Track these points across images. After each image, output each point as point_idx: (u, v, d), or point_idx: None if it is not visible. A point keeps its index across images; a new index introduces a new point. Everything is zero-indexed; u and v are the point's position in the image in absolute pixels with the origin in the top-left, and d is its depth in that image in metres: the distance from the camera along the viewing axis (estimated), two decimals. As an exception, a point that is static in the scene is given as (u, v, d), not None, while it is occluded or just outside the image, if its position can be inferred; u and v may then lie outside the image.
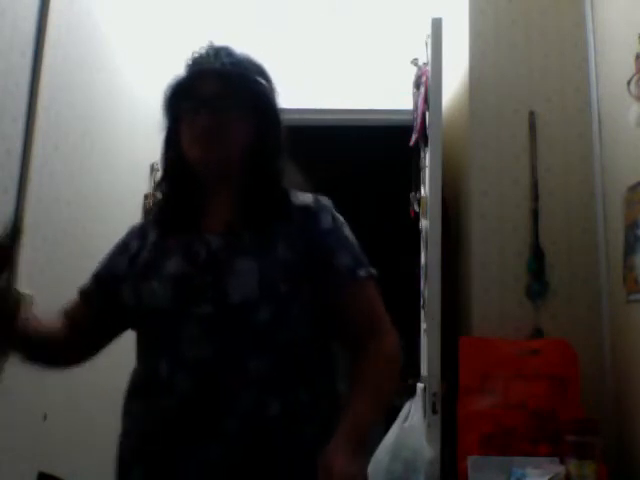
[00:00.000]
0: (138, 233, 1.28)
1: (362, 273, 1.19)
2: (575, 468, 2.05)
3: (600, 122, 2.67)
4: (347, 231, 1.24)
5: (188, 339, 1.10)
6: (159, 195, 1.29)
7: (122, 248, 1.28)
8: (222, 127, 1.17)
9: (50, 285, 1.86)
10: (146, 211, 2.73)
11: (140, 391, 1.16)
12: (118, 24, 2.38)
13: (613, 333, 2.49)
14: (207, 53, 1.21)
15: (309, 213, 1.20)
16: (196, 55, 1.22)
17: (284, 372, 1.11)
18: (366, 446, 1.05)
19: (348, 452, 0.99)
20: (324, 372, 1.19)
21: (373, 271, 1.21)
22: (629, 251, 2.30)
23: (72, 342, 1.23)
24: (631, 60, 2.21)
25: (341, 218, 1.25)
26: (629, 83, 2.19)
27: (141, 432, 1.12)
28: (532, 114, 2.74)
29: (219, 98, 1.17)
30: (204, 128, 1.16)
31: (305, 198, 1.23)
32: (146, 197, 2.73)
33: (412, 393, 2.54)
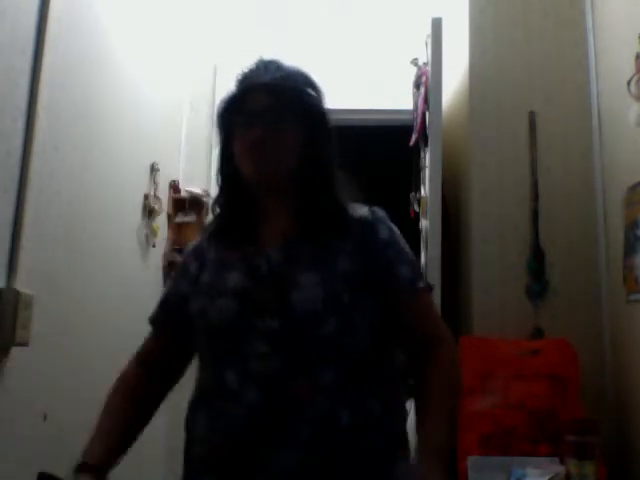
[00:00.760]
0: (195, 253, 1.30)
1: (421, 284, 1.23)
2: (575, 468, 2.05)
3: (600, 121, 2.67)
4: (403, 243, 1.26)
5: (255, 354, 1.11)
6: (216, 210, 1.31)
7: (183, 272, 1.31)
8: (273, 140, 1.18)
9: (50, 285, 1.85)
10: (149, 212, 2.73)
11: (207, 401, 1.17)
12: (120, 19, 2.37)
13: (613, 333, 2.49)
14: (257, 67, 1.24)
15: (366, 225, 1.23)
16: (246, 70, 1.25)
17: (351, 382, 1.12)
18: (447, 463, 1.09)
19: (439, 472, 1.05)
20: (389, 381, 1.22)
21: (430, 282, 1.28)
22: (629, 251, 2.30)
23: (151, 390, 1.28)
24: (631, 60, 2.21)
25: (396, 229, 1.27)
26: (629, 83, 2.19)
27: (210, 441, 1.14)
28: (532, 113, 2.74)
29: (270, 112, 1.19)
30: (255, 142, 1.17)
31: (361, 211, 1.25)
32: (146, 197, 2.73)
33: (412, 393, 2.53)
